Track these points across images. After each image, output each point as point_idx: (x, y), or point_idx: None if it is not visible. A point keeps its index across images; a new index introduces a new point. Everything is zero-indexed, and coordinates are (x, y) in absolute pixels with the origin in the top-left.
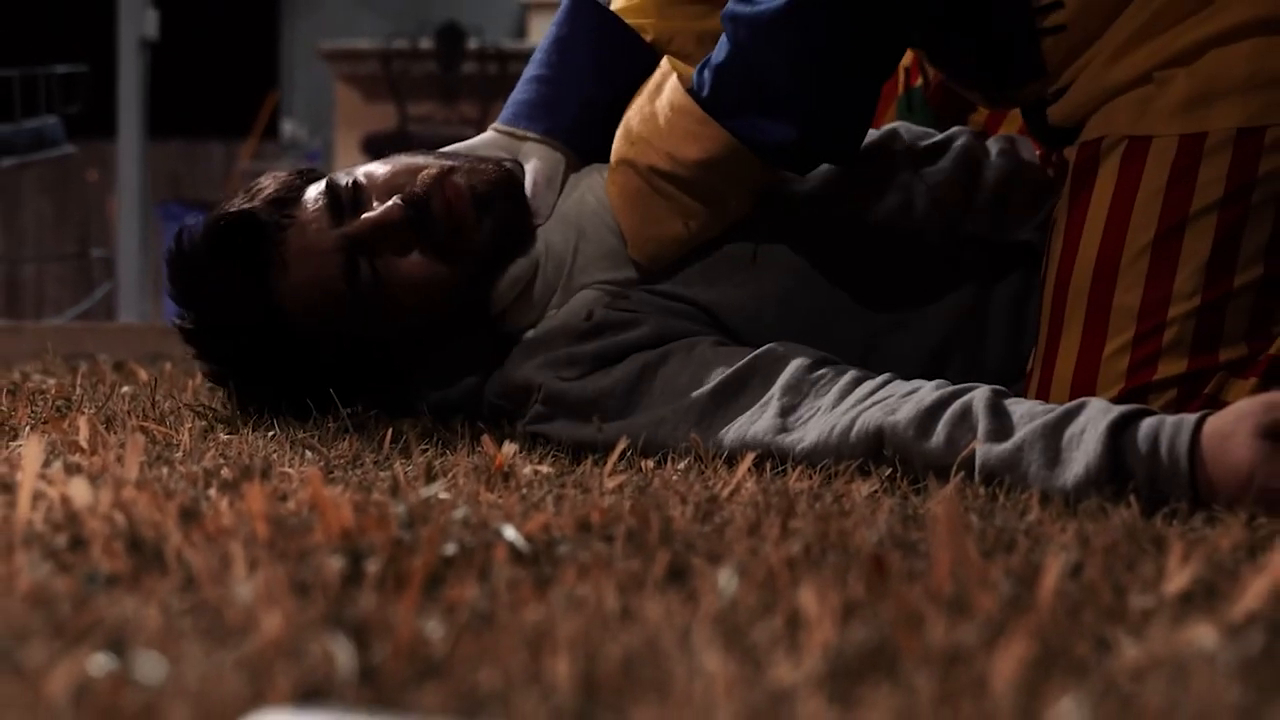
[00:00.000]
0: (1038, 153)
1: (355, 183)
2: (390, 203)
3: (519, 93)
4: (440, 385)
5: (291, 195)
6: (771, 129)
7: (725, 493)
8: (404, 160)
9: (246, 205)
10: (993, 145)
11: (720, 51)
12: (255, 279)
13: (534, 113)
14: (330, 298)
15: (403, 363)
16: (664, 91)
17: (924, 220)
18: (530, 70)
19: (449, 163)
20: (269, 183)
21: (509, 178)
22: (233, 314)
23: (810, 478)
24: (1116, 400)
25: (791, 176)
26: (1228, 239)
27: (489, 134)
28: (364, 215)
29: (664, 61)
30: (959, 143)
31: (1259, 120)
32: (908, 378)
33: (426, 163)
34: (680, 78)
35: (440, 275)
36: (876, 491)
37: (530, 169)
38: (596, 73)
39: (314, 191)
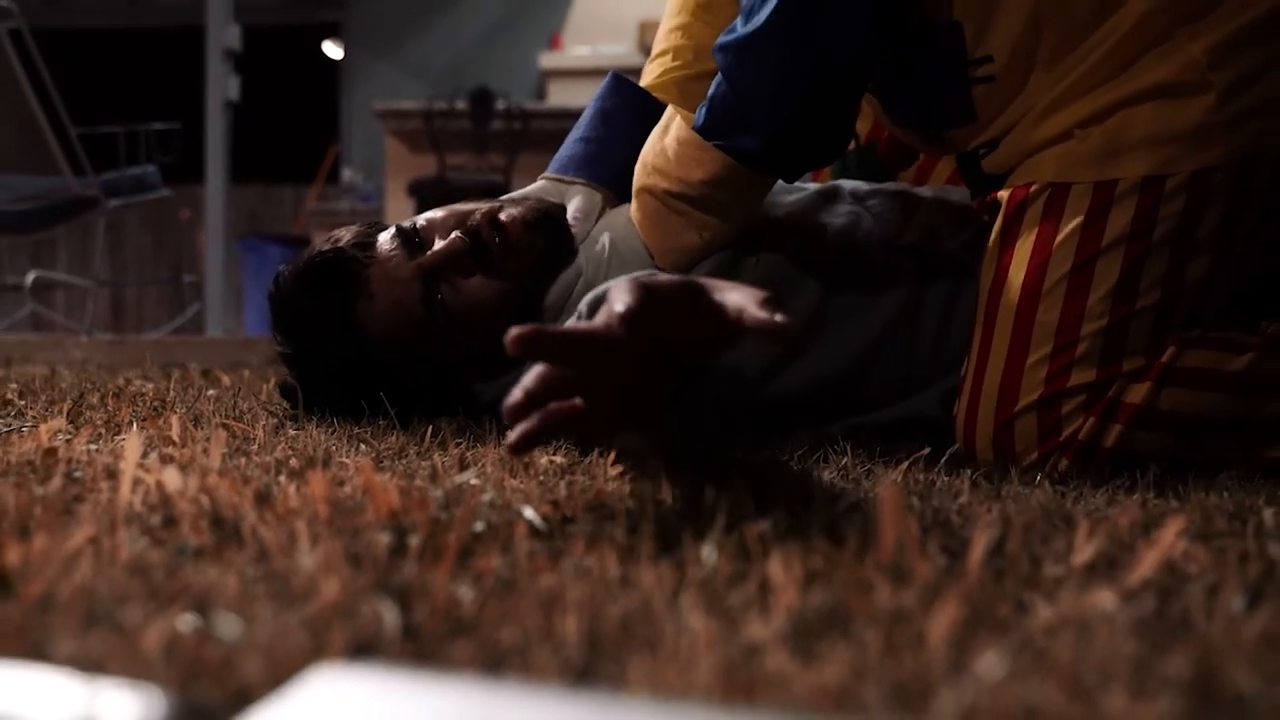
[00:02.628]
0: (972, 198)
1: (419, 226)
2: (453, 236)
3: (566, 150)
4: (491, 385)
5: (368, 240)
6: (758, 136)
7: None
8: (457, 207)
9: (333, 247)
10: (924, 190)
11: (712, 85)
12: (346, 309)
13: (579, 165)
14: (411, 321)
15: (466, 370)
16: (671, 130)
17: (868, 236)
18: (576, 133)
19: (496, 203)
20: (345, 233)
21: (552, 207)
22: (326, 340)
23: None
24: (1037, 402)
25: (770, 204)
26: (1132, 269)
27: (540, 182)
28: (432, 249)
29: (669, 107)
30: (895, 186)
31: (1161, 170)
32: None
33: (476, 206)
34: (683, 117)
35: (500, 291)
36: (835, 480)
37: (572, 206)
38: (633, 139)
39: (386, 235)
